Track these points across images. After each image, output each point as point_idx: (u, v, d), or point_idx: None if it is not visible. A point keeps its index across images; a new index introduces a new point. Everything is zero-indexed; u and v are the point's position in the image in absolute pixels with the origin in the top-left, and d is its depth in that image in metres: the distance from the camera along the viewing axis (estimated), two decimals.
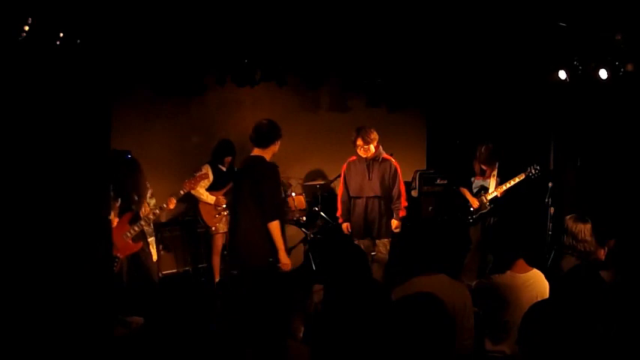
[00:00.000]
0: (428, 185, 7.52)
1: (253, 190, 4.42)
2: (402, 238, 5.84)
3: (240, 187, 4.62)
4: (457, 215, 6.08)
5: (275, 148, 4.58)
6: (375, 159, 5.68)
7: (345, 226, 5.85)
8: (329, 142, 7.62)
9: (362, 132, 5.56)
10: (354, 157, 5.80)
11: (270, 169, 4.49)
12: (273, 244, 4.40)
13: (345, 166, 5.90)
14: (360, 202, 5.73)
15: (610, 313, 2.92)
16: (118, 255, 4.87)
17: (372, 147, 5.59)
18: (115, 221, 4.83)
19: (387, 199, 5.70)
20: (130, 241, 4.94)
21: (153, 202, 5.26)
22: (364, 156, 5.65)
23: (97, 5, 3.62)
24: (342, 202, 5.88)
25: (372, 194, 5.69)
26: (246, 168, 4.64)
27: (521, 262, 3.51)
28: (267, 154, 4.55)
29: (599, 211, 5.12)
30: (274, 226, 4.37)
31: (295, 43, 6.02)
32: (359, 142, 5.57)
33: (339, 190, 5.96)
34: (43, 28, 3.38)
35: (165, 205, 5.12)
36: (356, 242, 5.59)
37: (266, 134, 4.52)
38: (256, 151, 4.58)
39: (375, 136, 5.60)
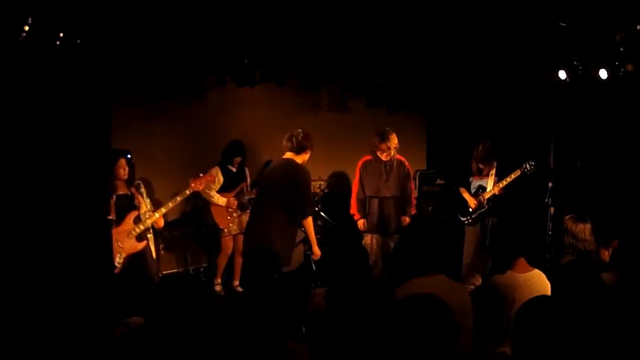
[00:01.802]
0: (428, 185, 7.54)
1: (287, 189, 4.81)
2: (402, 239, 5.87)
3: (271, 185, 4.93)
4: (456, 215, 6.08)
5: (306, 156, 5.00)
6: (390, 160, 5.88)
7: (362, 222, 6.00)
8: (329, 143, 7.61)
9: (387, 138, 5.78)
10: (370, 157, 5.98)
11: (304, 170, 4.95)
12: (292, 244, 4.96)
13: (360, 164, 6.05)
14: (376, 202, 5.92)
15: (610, 312, 2.92)
16: (124, 254, 4.87)
17: (393, 151, 5.82)
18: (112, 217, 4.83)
19: (400, 198, 5.92)
20: (135, 240, 4.94)
21: (148, 201, 5.25)
22: (386, 160, 5.84)
23: (96, 5, 3.62)
24: (358, 200, 6.02)
25: (388, 194, 5.90)
26: (280, 168, 4.94)
27: (522, 262, 3.50)
28: (299, 159, 4.96)
29: (599, 211, 5.12)
30: (310, 222, 4.93)
31: (295, 44, 6.02)
32: (383, 146, 5.77)
33: (354, 188, 6.09)
34: (43, 28, 3.38)
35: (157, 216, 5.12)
36: (369, 236, 5.89)
37: (301, 142, 4.97)
38: (289, 155, 4.97)
39: (397, 140, 5.84)
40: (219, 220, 6.11)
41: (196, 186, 5.20)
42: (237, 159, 6.23)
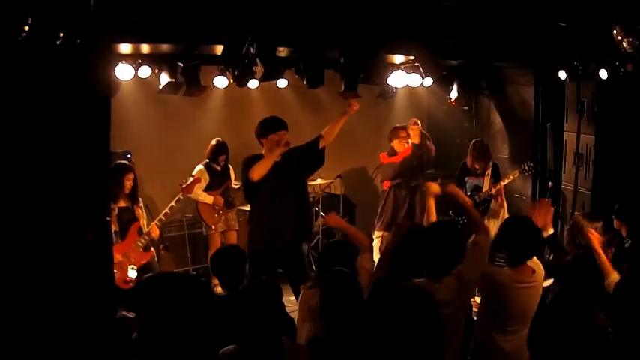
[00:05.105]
0: None
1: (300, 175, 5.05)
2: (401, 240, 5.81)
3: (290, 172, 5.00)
4: (454, 216, 6.08)
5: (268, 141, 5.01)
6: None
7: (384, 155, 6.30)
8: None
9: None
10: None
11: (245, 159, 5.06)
12: None
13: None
14: (402, 192, 6.02)
15: (610, 312, 2.92)
16: (134, 266, 4.87)
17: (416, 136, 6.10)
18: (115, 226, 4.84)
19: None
20: (142, 251, 4.96)
21: (145, 216, 5.27)
22: (415, 142, 6.08)
23: (97, 5, 3.61)
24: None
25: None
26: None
27: (524, 266, 3.50)
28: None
29: (599, 210, 5.12)
30: None
31: (295, 43, 6.02)
32: (402, 133, 6.10)
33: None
34: (43, 28, 3.37)
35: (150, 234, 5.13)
36: (380, 235, 5.76)
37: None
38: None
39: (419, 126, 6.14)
40: (207, 217, 6.23)
41: (187, 191, 5.34)
42: (222, 158, 6.31)
